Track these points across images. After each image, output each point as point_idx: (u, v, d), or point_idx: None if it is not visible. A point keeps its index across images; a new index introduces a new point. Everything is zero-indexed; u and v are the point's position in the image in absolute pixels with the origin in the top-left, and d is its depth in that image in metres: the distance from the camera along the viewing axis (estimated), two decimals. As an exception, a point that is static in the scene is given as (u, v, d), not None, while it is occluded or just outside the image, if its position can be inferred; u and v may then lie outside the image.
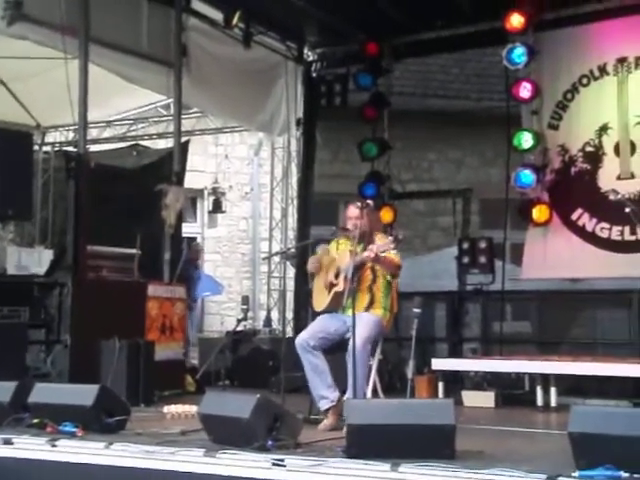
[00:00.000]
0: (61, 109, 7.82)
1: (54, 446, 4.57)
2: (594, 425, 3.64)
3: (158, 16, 8.59)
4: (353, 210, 5.64)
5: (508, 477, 3.51)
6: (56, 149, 11.92)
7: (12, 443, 4.66)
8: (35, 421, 4.98)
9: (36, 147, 11.10)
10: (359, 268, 5.48)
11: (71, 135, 11.78)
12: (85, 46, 7.41)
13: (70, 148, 11.26)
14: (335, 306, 5.62)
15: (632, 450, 3.47)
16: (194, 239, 11.71)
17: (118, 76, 8.44)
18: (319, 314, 5.72)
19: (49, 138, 12.13)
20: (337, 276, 5.62)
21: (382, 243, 5.37)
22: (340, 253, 5.73)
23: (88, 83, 7.41)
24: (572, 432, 3.65)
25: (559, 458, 3.91)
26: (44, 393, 5.17)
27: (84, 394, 4.97)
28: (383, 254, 5.35)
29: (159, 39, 8.58)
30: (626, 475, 3.40)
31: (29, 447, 4.60)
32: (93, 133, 11.66)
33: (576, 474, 3.49)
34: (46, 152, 11.84)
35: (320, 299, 5.74)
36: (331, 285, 5.66)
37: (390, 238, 5.36)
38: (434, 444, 4.01)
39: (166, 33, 8.65)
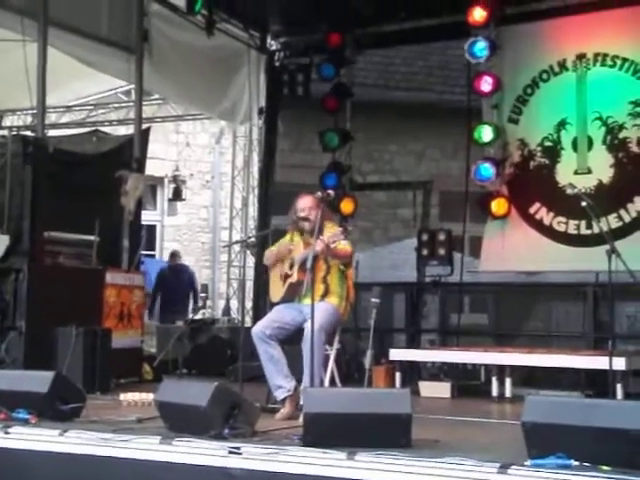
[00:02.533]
0: (19, 92, 7.69)
1: (7, 433, 4.51)
2: (546, 415, 3.69)
3: (119, 0, 8.50)
4: (305, 201, 5.63)
5: (462, 466, 3.55)
6: (13, 133, 11.72)
7: (-36, 430, 4.60)
8: (-12, 408, 4.91)
9: (-8, 131, 10.96)
10: (313, 259, 5.47)
11: (29, 119, 11.60)
12: (44, 29, 7.31)
13: (28, 133, 11.11)
14: (290, 297, 5.63)
15: (582, 439, 3.53)
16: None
17: (77, 60, 8.33)
18: (276, 305, 5.73)
19: (6, 122, 11.96)
20: (291, 267, 5.63)
21: (331, 234, 5.34)
22: (294, 244, 5.73)
23: (47, 67, 7.31)
24: (525, 422, 3.70)
25: (512, 447, 3.96)
26: (-2, 380, 5.10)
27: (39, 381, 4.90)
28: (333, 244, 5.34)
29: (120, 24, 8.50)
30: (576, 463, 3.46)
31: (-19, 434, 4.54)
32: (52, 118, 11.51)
33: (528, 462, 3.55)
34: (3, 136, 11.61)
35: (276, 290, 5.76)
36: (286, 276, 5.67)
37: (340, 229, 5.37)
38: (390, 433, 4.04)
39: (127, 18, 8.57)
